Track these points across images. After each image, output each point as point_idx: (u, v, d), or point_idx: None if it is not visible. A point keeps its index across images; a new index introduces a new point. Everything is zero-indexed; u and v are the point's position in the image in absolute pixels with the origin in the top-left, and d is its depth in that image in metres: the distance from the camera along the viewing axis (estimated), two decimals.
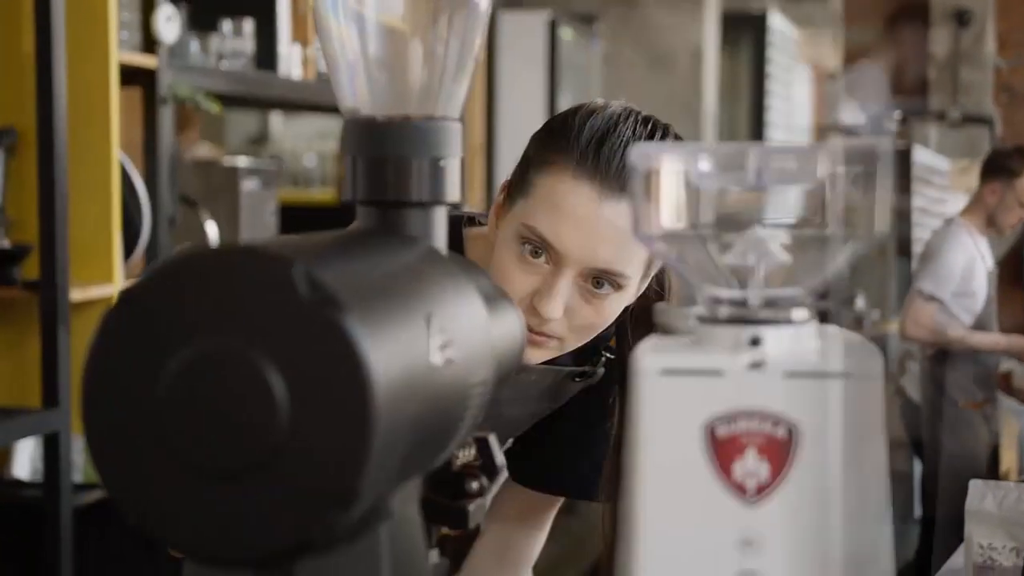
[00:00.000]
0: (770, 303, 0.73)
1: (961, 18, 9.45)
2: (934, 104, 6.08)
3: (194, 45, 2.97)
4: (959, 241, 4.24)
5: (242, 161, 3.17)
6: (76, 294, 2.46)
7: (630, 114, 1.29)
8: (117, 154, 2.54)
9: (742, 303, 0.73)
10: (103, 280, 2.55)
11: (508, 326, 0.88)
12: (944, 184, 8.05)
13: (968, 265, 4.20)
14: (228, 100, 3.18)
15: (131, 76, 2.67)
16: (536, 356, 1.30)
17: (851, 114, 5.43)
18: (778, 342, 0.71)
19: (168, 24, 2.67)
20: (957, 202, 8.69)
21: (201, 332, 0.63)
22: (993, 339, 4.34)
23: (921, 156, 7.31)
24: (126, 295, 0.65)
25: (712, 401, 0.70)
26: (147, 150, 2.71)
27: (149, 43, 2.69)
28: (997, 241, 4.62)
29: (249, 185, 3.07)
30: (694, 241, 0.74)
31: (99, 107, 2.51)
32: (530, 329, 1.26)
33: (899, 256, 7.28)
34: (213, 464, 0.63)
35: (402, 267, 0.75)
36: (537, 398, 1.42)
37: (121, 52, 2.59)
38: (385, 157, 0.82)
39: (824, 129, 8.46)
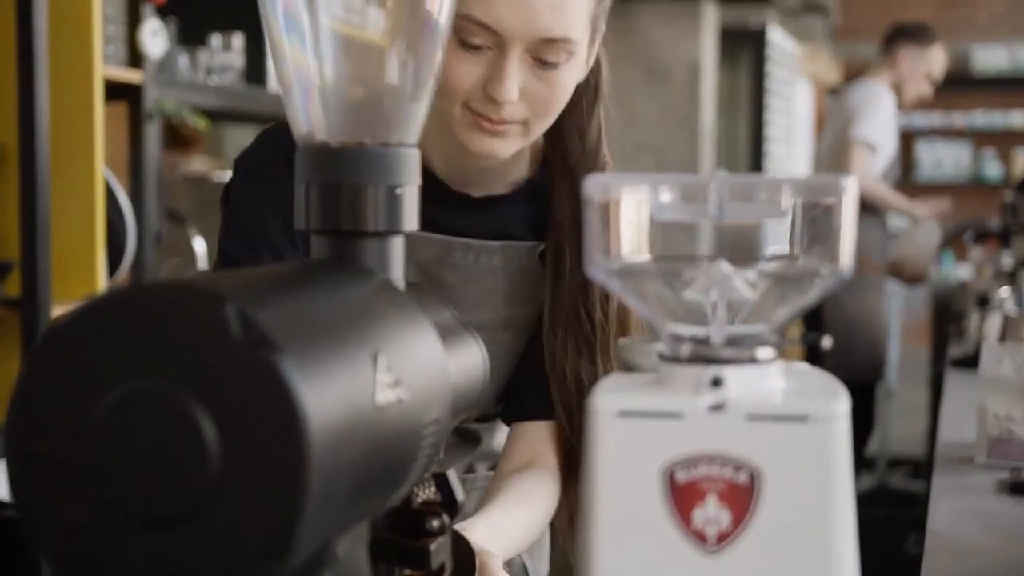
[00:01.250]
0: (733, 340, 0.70)
1: None
2: None
3: (183, 60, 2.95)
4: (885, 93, 4.39)
5: None
6: (59, 312, 2.43)
7: None
8: (101, 170, 2.51)
9: (704, 340, 0.70)
10: (86, 297, 2.52)
11: (467, 359, 0.85)
12: (794, 67, 8.10)
13: (889, 118, 4.37)
14: (217, 115, 3.15)
15: (117, 91, 2.64)
16: (503, 146, 1.26)
17: None
18: (741, 382, 0.68)
19: (154, 39, 2.65)
20: (803, 86, 8.72)
21: (130, 372, 0.60)
22: (903, 201, 4.57)
23: (775, 37, 7.32)
24: (53, 331, 0.62)
25: (671, 444, 0.67)
26: (133, 165, 2.68)
27: (135, 58, 2.67)
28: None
29: None
30: (654, 275, 0.72)
31: (83, 122, 2.48)
32: (489, 119, 1.23)
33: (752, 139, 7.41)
34: (141, 510, 0.60)
35: (350, 302, 0.72)
36: (506, 295, 1.37)
37: (106, 67, 2.56)
38: (339, 184, 0.79)
39: None
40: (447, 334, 0.83)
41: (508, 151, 1.27)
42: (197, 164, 3.63)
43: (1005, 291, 3.12)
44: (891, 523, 4.34)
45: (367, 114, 0.82)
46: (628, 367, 0.76)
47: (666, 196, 0.70)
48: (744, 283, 0.70)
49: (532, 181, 1.39)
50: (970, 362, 2.85)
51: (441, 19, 0.83)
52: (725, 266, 0.71)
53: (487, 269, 1.35)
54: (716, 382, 0.68)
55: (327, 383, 0.62)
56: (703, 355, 0.70)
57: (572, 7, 1.20)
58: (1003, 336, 2.91)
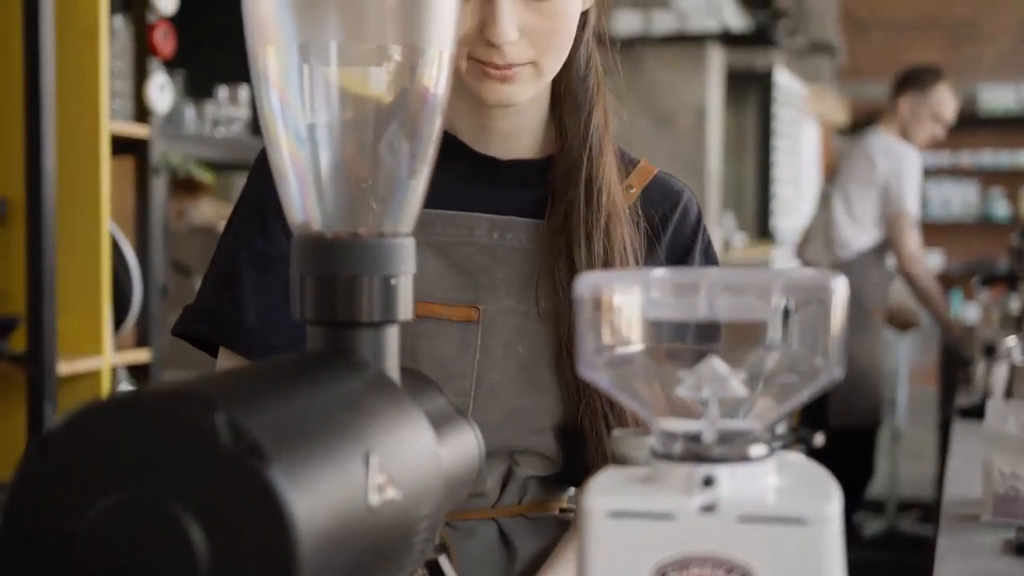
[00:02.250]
0: (725, 437, 0.70)
1: None
2: (782, 29, 6.12)
3: (189, 112, 2.97)
4: (914, 156, 4.41)
5: None
6: (64, 367, 2.44)
7: None
8: (107, 225, 2.52)
9: (696, 437, 0.70)
10: (92, 353, 2.53)
11: (461, 446, 0.85)
12: (800, 107, 8.12)
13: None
14: (224, 166, 3.17)
15: (124, 145, 2.66)
16: (516, 92, 1.18)
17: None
18: (733, 481, 0.68)
19: (161, 93, 2.66)
20: (810, 127, 8.75)
21: (120, 481, 0.60)
22: (945, 310, 4.58)
23: (782, 78, 7.34)
24: (45, 440, 0.62)
25: (663, 546, 0.67)
26: (139, 219, 2.69)
27: (142, 112, 2.68)
28: None
29: None
30: (645, 372, 0.71)
31: (89, 177, 2.49)
32: (496, 66, 1.16)
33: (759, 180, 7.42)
34: None
35: (343, 400, 0.72)
36: (538, 281, 1.23)
37: (113, 122, 2.58)
38: (334, 275, 0.80)
39: None
40: (441, 422, 0.83)
41: (524, 95, 1.19)
42: (205, 207, 3.64)
43: (1012, 340, 3.11)
44: (901, 568, 4.31)
45: (362, 204, 0.82)
46: (621, 460, 0.76)
47: (656, 293, 0.70)
48: (737, 380, 0.70)
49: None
50: (977, 412, 2.84)
51: (439, 91, 0.84)
52: (717, 363, 0.71)
53: (514, 249, 1.24)
54: (708, 482, 0.68)
55: (318, 490, 0.62)
56: (695, 453, 0.69)
57: None
58: (1010, 386, 2.90)
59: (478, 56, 1.16)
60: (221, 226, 3.21)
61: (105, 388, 2.55)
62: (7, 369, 2.45)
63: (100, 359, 2.53)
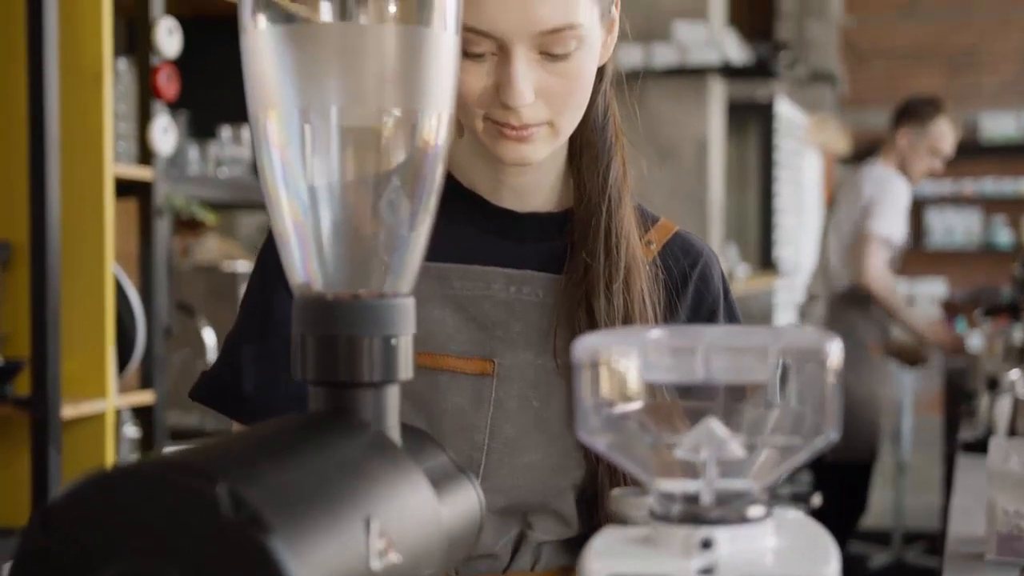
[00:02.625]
0: (723, 498, 0.71)
1: None
2: (782, 61, 6.13)
3: (193, 152, 2.98)
4: (900, 184, 4.40)
5: (242, 266, 3.17)
6: (68, 411, 2.44)
7: None
8: (111, 268, 2.53)
9: (695, 498, 0.71)
10: (96, 395, 2.53)
11: (463, 504, 0.85)
12: (802, 137, 8.12)
13: (905, 210, 4.41)
14: (227, 205, 3.18)
15: (127, 187, 2.67)
16: (533, 151, 1.17)
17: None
18: (732, 543, 0.68)
19: (165, 136, 2.68)
20: (812, 156, 8.76)
21: (122, 552, 0.61)
22: (919, 322, 4.53)
23: (783, 109, 7.35)
24: (48, 511, 0.62)
25: None
26: (143, 261, 2.70)
27: (146, 154, 2.70)
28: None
29: None
30: (643, 434, 0.72)
31: (94, 220, 2.50)
32: (512, 127, 1.15)
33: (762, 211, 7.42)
34: None
35: (343, 464, 0.72)
36: (555, 334, 1.22)
37: (117, 164, 2.59)
38: (335, 336, 0.80)
39: None
40: (442, 479, 0.83)
41: (540, 155, 1.18)
42: (210, 243, 3.65)
43: (1015, 374, 3.10)
44: None
45: (363, 264, 0.83)
46: (620, 519, 0.76)
47: (654, 356, 0.71)
48: (735, 442, 0.71)
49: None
50: (981, 447, 2.83)
51: (438, 151, 0.84)
52: (715, 424, 0.71)
53: (531, 303, 1.23)
54: (706, 544, 0.68)
55: (319, 558, 0.62)
56: (693, 515, 0.70)
57: None
58: (1014, 420, 2.90)
59: (494, 117, 1.15)
60: (225, 264, 3.22)
61: (109, 431, 2.55)
62: (11, 413, 2.46)
63: (104, 402, 2.54)
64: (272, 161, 0.82)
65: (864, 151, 10.18)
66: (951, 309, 10.25)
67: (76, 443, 2.50)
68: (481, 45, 1.12)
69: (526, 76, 1.12)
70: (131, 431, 2.88)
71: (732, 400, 0.73)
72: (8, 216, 2.48)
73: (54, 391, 2.37)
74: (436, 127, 0.83)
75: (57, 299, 2.40)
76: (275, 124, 0.81)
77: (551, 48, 1.13)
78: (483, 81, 1.13)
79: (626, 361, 0.71)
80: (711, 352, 0.70)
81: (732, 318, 1.28)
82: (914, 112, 4.45)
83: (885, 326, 4.45)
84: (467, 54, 1.13)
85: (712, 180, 5.62)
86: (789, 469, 0.72)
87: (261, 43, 0.80)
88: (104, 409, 2.54)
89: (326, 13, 0.84)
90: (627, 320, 1.19)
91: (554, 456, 1.20)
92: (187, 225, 3.55)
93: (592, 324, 1.19)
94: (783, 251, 7.71)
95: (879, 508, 6.48)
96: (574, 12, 1.12)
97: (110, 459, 2.54)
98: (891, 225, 4.32)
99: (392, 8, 0.79)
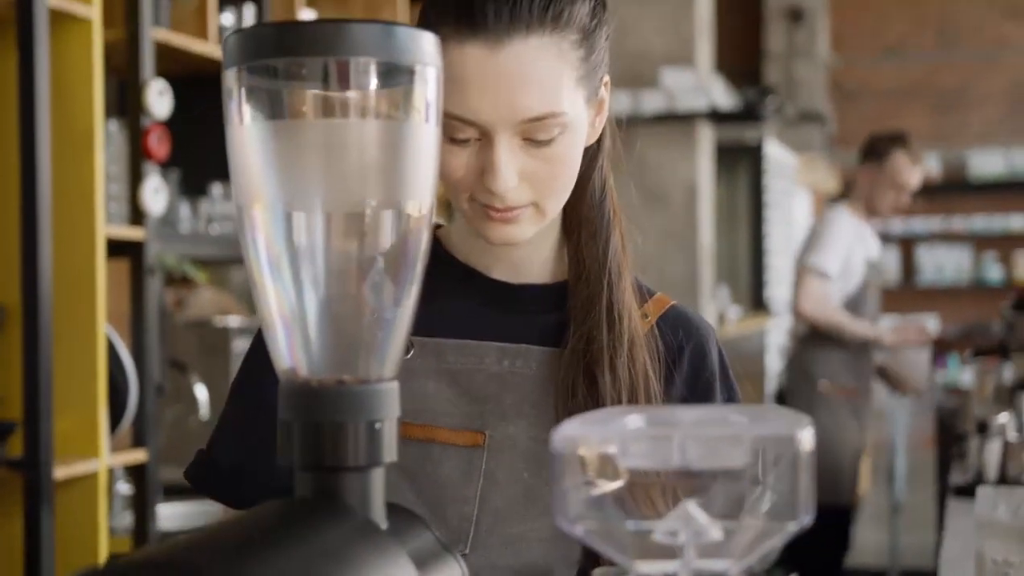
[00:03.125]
0: None
1: (795, 15, 9.59)
2: (769, 105, 6.17)
3: (184, 209, 3.00)
4: (844, 220, 4.40)
5: (234, 321, 3.18)
6: (61, 471, 2.45)
7: None
8: (103, 328, 2.54)
9: None
10: (89, 455, 2.54)
11: None
12: (792, 177, 8.16)
13: (850, 245, 4.33)
14: (219, 261, 3.20)
15: (119, 247, 2.69)
16: (519, 232, 1.18)
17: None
18: None
19: (155, 196, 2.70)
20: (802, 196, 8.79)
21: None
22: (865, 328, 4.43)
23: (772, 150, 7.39)
24: None
25: None
26: (135, 320, 2.71)
27: (137, 215, 2.72)
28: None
29: (241, 345, 3.08)
30: (622, 519, 0.74)
31: (85, 282, 2.52)
32: (496, 209, 1.16)
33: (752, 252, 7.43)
34: None
35: (327, 553, 0.74)
36: (548, 406, 1.22)
37: (109, 225, 2.61)
38: (321, 422, 0.82)
39: None
40: (427, 559, 0.84)
41: (526, 235, 1.19)
42: (204, 296, 3.66)
43: (1004, 416, 3.12)
44: None
45: (347, 350, 0.85)
46: None
47: (632, 445, 0.73)
48: (712, 524, 0.72)
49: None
50: (971, 491, 2.84)
51: (421, 238, 0.86)
52: (693, 507, 0.73)
53: (524, 376, 1.23)
54: None
55: None
56: None
57: (549, 80, 1.13)
58: (1004, 464, 2.91)
59: (479, 198, 1.16)
60: (218, 319, 3.23)
61: (102, 491, 2.56)
62: (4, 474, 2.46)
63: (97, 461, 2.55)
64: (258, 251, 0.84)
65: None
66: (941, 347, 10.29)
67: (69, 503, 2.50)
68: (465, 132, 1.13)
69: (509, 163, 1.13)
70: (124, 488, 2.88)
71: (710, 483, 0.75)
72: (1, 278, 2.49)
73: (47, 452, 2.38)
74: (418, 215, 0.85)
75: (49, 360, 2.42)
76: (260, 215, 0.83)
77: (534, 135, 1.14)
78: (468, 165, 1.15)
79: (605, 449, 0.73)
80: (687, 439, 0.72)
81: (730, 394, 1.29)
82: (872, 149, 4.48)
83: (853, 365, 4.42)
84: (452, 139, 1.14)
85: (702, 224, 5.65)
86: (767, 550, 0.74)
87: (246, 138, 0.82)
88: (97, 469, 2.55)
89: (310, 109, 0.87)
90: (632, 393, 1.20)
91: (546, 528, 1.21)
92: (181, 278, 3.56)
93: (596, 397, 1.20)
94: (774, 291, 7.74)
95: (874, 547, 6.48)
96: (556, 101, 1.13)
97: (103, 519, 2.55)
98: (826, 258, 4.32)
99: (373, 104, 0.81)
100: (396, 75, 0.82)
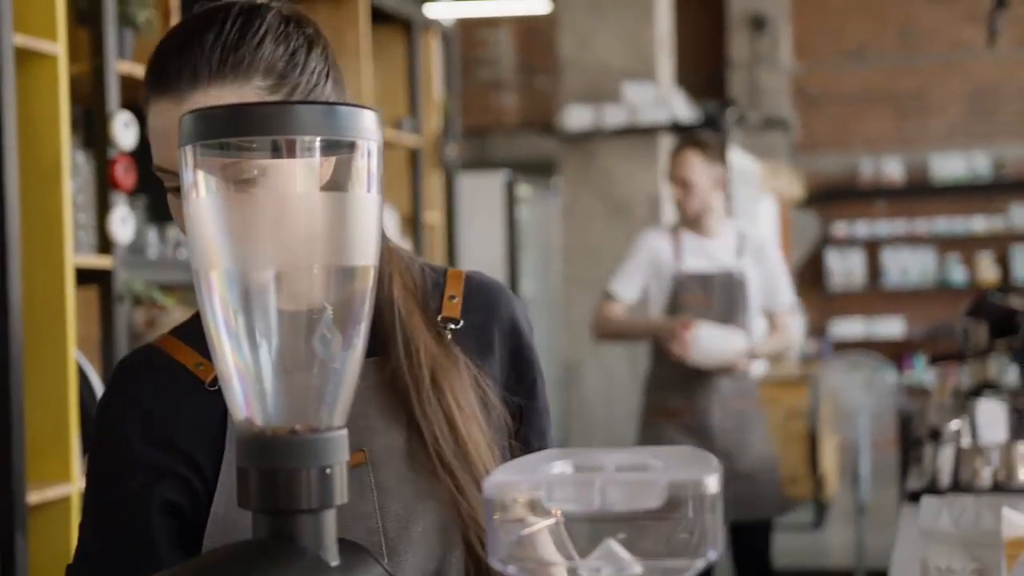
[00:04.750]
0: None
1: (757, 23, 9.70)
2: (730, 117, 6.22)
3: (152, 235, 3.06)
4: (643, 237, 4.24)
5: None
6: (34, 496, 2.50)
7: (207, 11, 1.24)
8: (73, 355, 2.60)
9: None
10: (61, 480, 2.59)
11: None
12: (756, 184, 8.25)
13: (653, 263, 4.16)
14: (187, 286, 3.26)
15: (88, 276, 2.75)
16: None
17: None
18: None
19: (123, 225, 2.76)
20: (767, 202, 8.90)
21: None
22: (644, 322, 4.22)
23: (736, 158, 7.50)
24: None
25: None
26: (104, 346, 2.77)
27: (105, 243, 2.77)
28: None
29: None
30: (547, 557, 0.81)
31: (55, 310, 2.57)
32: None
33: None
34: None
35: None
36: (388, 425, 1.28)
37: (77, 255, 2.67)
38: (275, 469, 0.89)
39: None
40: None
41: None
42: (175, 316, 3.71)
43: (956, 423, 3.20)
44: None
45: (299, 400, 0.92)
46: None
47: (557, 490, 0.80)
48: (632, 560, 0.80)
49: None
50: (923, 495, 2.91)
51: (366, 288, 0.93)
52: (614, 545, 0.80)
53: (368, 388, 1.28)
54: None
55: None
56: None
57: None
58: (957, 469, 2.99)
59: None
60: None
61: (75, 514, 2.61)
62: None
63: (69, 486, 2.60)
64: (215, 312, 0.91)
65: (817, 194, 10.38)
66: (907, 348, 10.44)
67: (42, 528, 2.55)
68: (173, 180, 1.21)
69: None
70: None
71: (629, 523, 0.82)
72: None
73: (19, 479, 2.43)
74: (363, 273, 0.92)
75: (21, 387, 2.47)
76: (216, 279, 0.90)
77: (236, 179, 1.18)
78: None
79: (532, 494, 0.80)
80: (607, 485, 0.79)
81: (532, 361, 1.37)
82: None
83: (679, 386, 4.16)
84: (169, 190, 1.23)
85: None
86: None
87: (202, 209, 0.89)
88: (70, 493, 2.60)
89: (260, 182, 0.94)
90: (450, 423, 1.27)
91: (441, 517, 1.28)
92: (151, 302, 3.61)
93: (418, 429, 1.27)
94: None
95: (841, 548, 6.58)
96: None
97: (76, 543, 2.60)
98: (618, 281, 4.20)
99: (319, 176, 0.88)
100: (339, 149, 0.90)
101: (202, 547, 1.27)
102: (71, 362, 2.59)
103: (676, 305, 4.17)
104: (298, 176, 0.89)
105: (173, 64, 1.20)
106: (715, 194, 4.13)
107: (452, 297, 1.35)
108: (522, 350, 1.38)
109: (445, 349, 1.31)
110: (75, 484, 2.62)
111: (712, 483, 0.78)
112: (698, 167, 4.07)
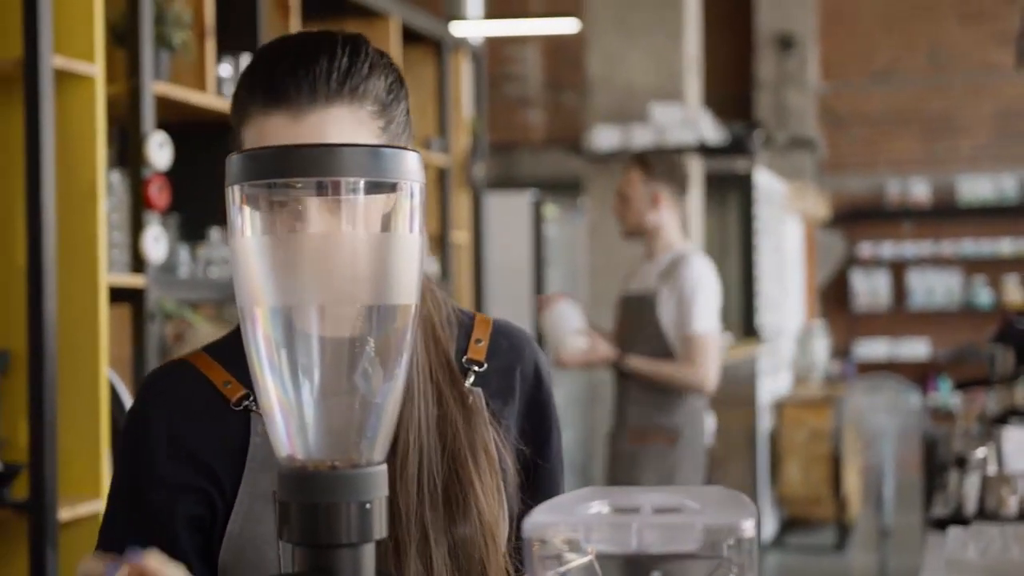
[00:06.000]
0: None
1: (785, 43, 9.67)
2: (757, 138, 6.19)
3: (184, 253, 3.09)
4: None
5: None
6: (65, 513, 2.53)
7: (310, 35, 1.27)
8: (106, 373, 2.63)
9: None
10: (92, 497, 2.62)
11: None
12: (782, 204, 8.22)
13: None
14: (218, 303, 3.29)
15: (120, 294, 2.78)
16: None
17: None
18: None
19: (156, 244, 2.79)
20: (793, 222, 8.87)
21: None
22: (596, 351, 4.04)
23: (762, 179, 7.48)
24: None
25: None
26: (136, 364, 2.80)
27: (138, 262, 2.80)
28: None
29: None
30: None
31: (89, 328, 2.60)
32: None
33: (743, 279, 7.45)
34: None
35: None
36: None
37: (111, 273, 2.70)
38: (316, 504, 0.91)
39: None
40: None
41: None
42: (203, 330, 3.74)
43: (983, 451, 3.19)
44: None
45: (340, 437, 0.93)
46: None
47: (595, 532, 0.81)
48: None
49: None
50: (949, 524, 2.90)
51: (408, 326, 0.95)
52: None
53: None
54: None
55: None
56: None
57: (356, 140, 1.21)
58: (983, 498, 2.98)
59: None
60: None
61: None
62: (9, 516, 2.54)
63: (99, 502, 2.63)
64: (259, 348, 0.93)
65: (844, 215, 10.37)
66: (932, 369, 10.39)
67: (73, 544, 2.58)
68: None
69: (318, 222, 1.16)
70: None
71: (666, 563, 0.83)
72: (7, 325, 2.58)
73: (51, 495, 2.46)
74: (404, 311, 0.94)
75: (54, 405, 2.50)
76: (260, 316, 0.92)
77: None
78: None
79: (569, 535, 0.82)
80: (644, 527, 0.81)
81: (550, 407, 1.38)
82: None
83: (653, 410, 4.02)
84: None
85: None
86: None
87: (248, 248, 0.91)
88: (100, 510, 2.63)
89: (305, 223, 0.96)
90: (457, 467, 1.28)
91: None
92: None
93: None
94: (766, 317, 7.82)
95: (862, 570, 6.56)
96: None
97: None
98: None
99: (363, 217, 0.90)
100: (382, 190, 0.92)
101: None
102: (103, 380, 2.62)
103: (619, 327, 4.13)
104: (342, 216, 0.91)
105: (290, 80, 1.21)
106: (653, 214, 4.05)
107: (478, 341, 1.36)
108: (540, 401, 1.39)
109: (460, 392, 1.31)
110: (104, 502, 2.65)
111: (749, 527, 0.80)
112: (635, 183, 4.06)
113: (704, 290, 4.01)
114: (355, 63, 1.23)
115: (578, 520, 0.82)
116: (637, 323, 4.07)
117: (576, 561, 0.84)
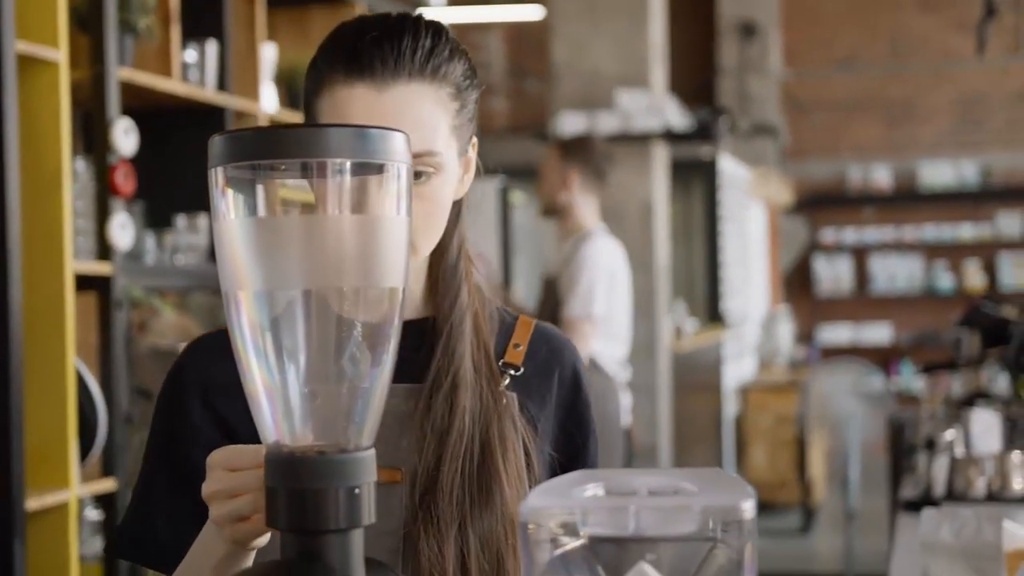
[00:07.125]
0: None
1: (747, 30, 9.72)
2: (722, 124, 6.22)
3: (150, 241, 3.06)
4: None
5: None
6: (32, 503, 2.50)
7: (393, 14, 1.28)
8: (72, 361, 2.60)
9: None
10: (59, 486, 2.59)
11: None
12: (746, 190, 8.27)
13: None
14: (184, 291, 3.26)
15: (87, 281, 2.74)
16: None
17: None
18: None
19: (122, 231, 2.76)
20: (757, 208, 8.92)
21: None
22: None
23: (726, 165, 7.52)
24: None
25: None
26: (102, 352, 2.77)
27: (104, 249, 2.77)
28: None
29: None
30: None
31: (55, 316, 2.57)
32: None
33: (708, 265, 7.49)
34: None
35: None
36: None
37: (77, 261, 2.66)
38: (303, 489, 0.89)
39: None
40: None
41: None
42: (167, 318, 3.70)
43: (951, 433, 3.21)
44: None
45: (327, 422, 0.92)
46: None
47: (591, 515, 0.80)
48: None
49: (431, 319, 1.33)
50: (919, 506, 2.92)
51: (394, 309, 0.93)
52: (647, 567, 0.81)
53: (395, 415, 1.27)
54: None
55: None
56: None
57: (428, 121, 1.23)
58: (951, 479, 3.00)
59: None
60: (180, 345, 3.27)
61: (73, 520, 2.61)
62: None
63: (67, 492, 2.60)
64: (243, 332, 0.91)
65: (806, 200, 10.41)
66: (895, 354, 10.47)
67: (40, 534, 2.55)
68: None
69: None
70: (93, 514, 2.93)
71: (663, 546, 0.82)
72: None
73: (18, 486, 2.43)
74: (391, 293, 0.93)
75: (20, 394, 2.47)
76: (245, 300, 0.91)
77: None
78: None
79: (566, 519, 0.81)
80: (641, 509, 0.80)
81: (587, 417, 1.38)
82: None
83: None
84: None
85: (658, 242, 5.74)
86: None
87: (231, 231, 0.90)
88: (67, 499, 2.60)
89: (289, 205, 0.94)
90: (441, 433, 1.26)
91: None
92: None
93: (423, 434, 1.27)
94: (730, 303, 7.85)
95: (827, 553, 6.60)
96: (433, 140, 1.23)
97: (74, 548, 2.60)
98: None
99: (348, 199, 0.88)
100: (368, 172, 0.90)
101: None
102: (71, 368, 2.59)
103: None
104: (327, 198, 0.89)
105: (376, 52, 1.22)
106: (564, 194, 4.09)
107: (517, 345, 1.36)
108: (578, 408, 1.38)
109: (495, 391, 1.30)
110: (74, 491, 2.62)
111: (747, 509, 0.79)
112: (551, 163, 4.14)
113: (588, 273, 3.97)
114: (438, 44, 1.25)
115: (575, 503, 0.81)
116: (547, 305, 4.09)
117: (572, 544, 0.83)
